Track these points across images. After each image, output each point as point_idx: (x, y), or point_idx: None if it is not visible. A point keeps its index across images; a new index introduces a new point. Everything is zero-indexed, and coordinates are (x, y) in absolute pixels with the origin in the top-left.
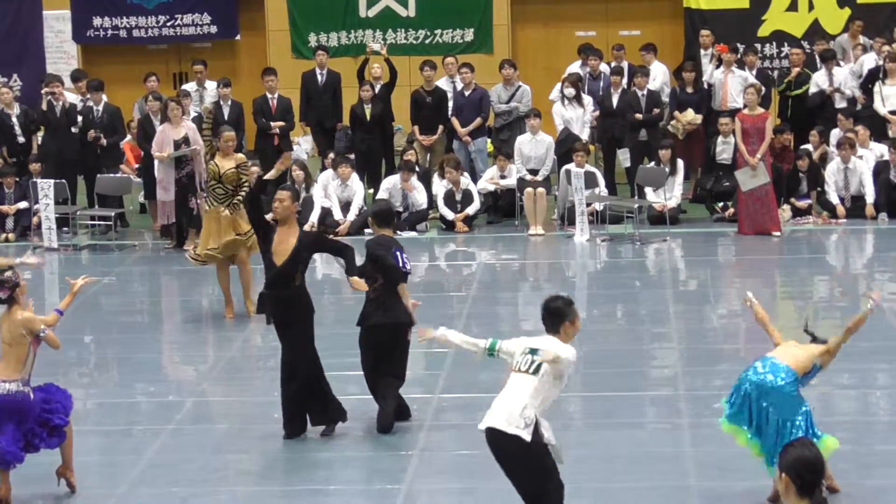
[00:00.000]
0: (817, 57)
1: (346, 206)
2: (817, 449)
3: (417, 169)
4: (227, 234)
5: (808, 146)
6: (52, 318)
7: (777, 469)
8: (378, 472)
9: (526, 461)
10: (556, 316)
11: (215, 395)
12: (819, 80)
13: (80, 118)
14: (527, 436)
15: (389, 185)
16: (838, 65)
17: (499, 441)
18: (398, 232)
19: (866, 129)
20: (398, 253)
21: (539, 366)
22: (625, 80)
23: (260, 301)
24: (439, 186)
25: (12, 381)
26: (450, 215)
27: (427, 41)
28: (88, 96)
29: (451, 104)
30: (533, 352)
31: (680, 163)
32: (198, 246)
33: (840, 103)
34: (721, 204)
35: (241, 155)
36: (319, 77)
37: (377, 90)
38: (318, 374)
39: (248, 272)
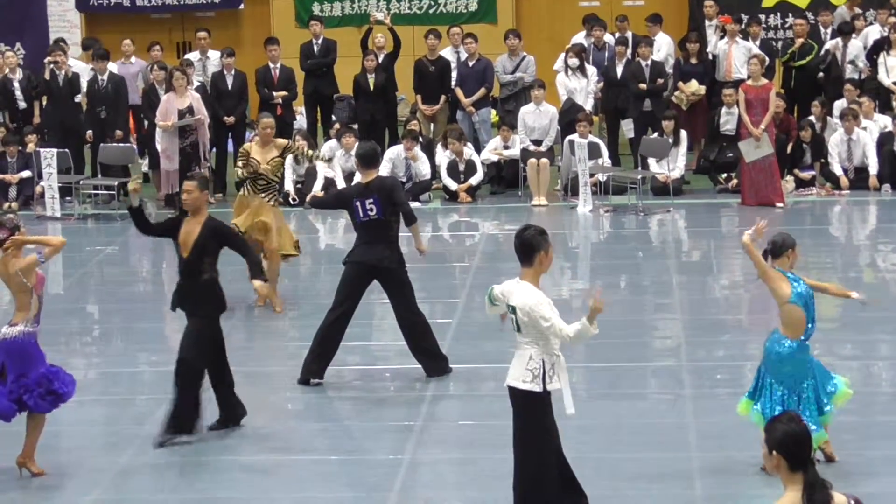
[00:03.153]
0: (822, 27)
1: (349, 177)
2: (804, 423)
3: (420, 139)
4: (252, 217)
5: (812, 118)
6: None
7: (764, 446)
8: (381, 442)
9: (526, 415)
10: (529, 247)
11: None
12: (832, 48)
13: (84, 86)
14: (536, 387)
15: (393, 154)
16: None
17: (512, 397)
18: None
19: (871, 101)
20: (357, 203)
21: (517, 322)
22: (629, 51)
23: (174, 293)
24: (442, 157)
25: (17, 325)
26: (453, 186)
27: (431, 11)
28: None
29: (454, 74)
30: (510, 308)
31: (683, 134)
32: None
33: (851, 74)
34: (724, 175)
35: (281, 140)
36: (316, 47)
37: (381, 60)
38: (196, 380)
39: (277, 262)
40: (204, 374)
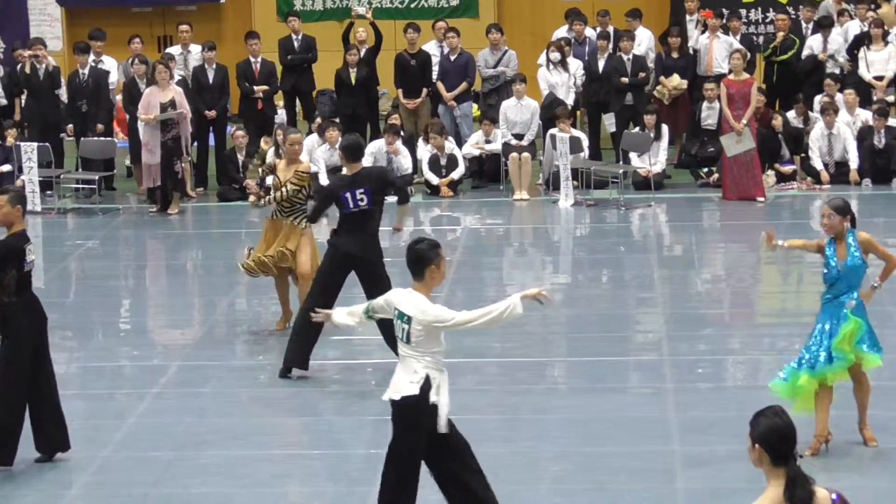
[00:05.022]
0: (804, 22)
1: (332, 171)
2: (788, 416)
3: (402, 133)
4: (280, 244)
5: (791, 112)
6: None
7: (748, 440)
8: (361, 437)
9: (399, 425)
10: (420, 260)
11: (199, 360)
12: (814, 45)
13: (78, 80)
14: (413, 391)
15: (374, 149)
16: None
17: (392, 410)
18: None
19: (856, 96)
20: (347, 195)
21: (409, 333)
22: (610, 45)
23: None
24: (424, 151)
25: None
26: (435, 180)
27: (412, 5)
28: (102, 59)
29: (436, 69)
30: (401, 317)
31: (665, 128)
32: (249, 254)
33: (833, 69)
34: (706, 169)
35: (306, 163)
36: (296, 43)
37: (362, 54)
38: (16, 402)
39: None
40: (24, 401)
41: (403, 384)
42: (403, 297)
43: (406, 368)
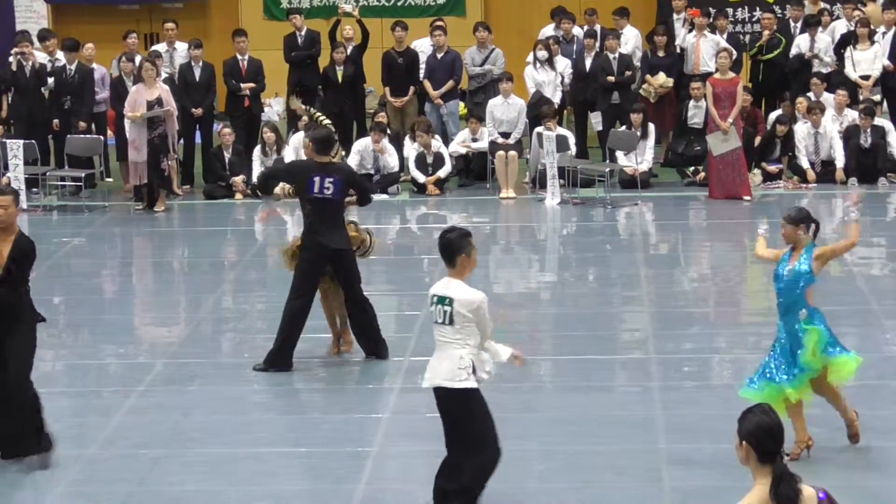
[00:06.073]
0: (792, 21)
1: None
2: (776, 414)
3: (389, 131)
4: None
5: (779, 111)
6: None
7: (736, 437)
8: (349, 434)
9: (470, 409)
10: (450, 249)
11: (185, 357)
12: (801, 45)
13: (51, 79)
14: (472, 384)
15: (361, 147)
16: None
17: (446, 397)
18: None
19: (848, 97)
20: (315, 178)
21: (451, 315)
22: (597, 44)
23: None
24: (410, 149)
25: None
26: (421, 178)
27: (399, 3)
28: (58, 56)
29: (423, 66)
30: (441, 300)
31: (651, 127)
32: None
33: (819, 68)
34: (692, 168)
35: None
36: (300, 39)
37: (349, 52)
38: (30, 399)
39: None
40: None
41: (453, 372)
42: (441, 286)
43: (450, 356)
